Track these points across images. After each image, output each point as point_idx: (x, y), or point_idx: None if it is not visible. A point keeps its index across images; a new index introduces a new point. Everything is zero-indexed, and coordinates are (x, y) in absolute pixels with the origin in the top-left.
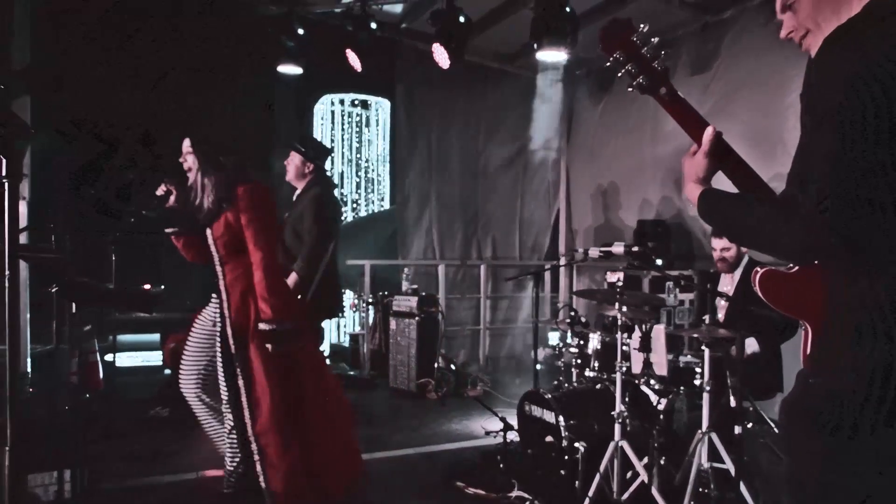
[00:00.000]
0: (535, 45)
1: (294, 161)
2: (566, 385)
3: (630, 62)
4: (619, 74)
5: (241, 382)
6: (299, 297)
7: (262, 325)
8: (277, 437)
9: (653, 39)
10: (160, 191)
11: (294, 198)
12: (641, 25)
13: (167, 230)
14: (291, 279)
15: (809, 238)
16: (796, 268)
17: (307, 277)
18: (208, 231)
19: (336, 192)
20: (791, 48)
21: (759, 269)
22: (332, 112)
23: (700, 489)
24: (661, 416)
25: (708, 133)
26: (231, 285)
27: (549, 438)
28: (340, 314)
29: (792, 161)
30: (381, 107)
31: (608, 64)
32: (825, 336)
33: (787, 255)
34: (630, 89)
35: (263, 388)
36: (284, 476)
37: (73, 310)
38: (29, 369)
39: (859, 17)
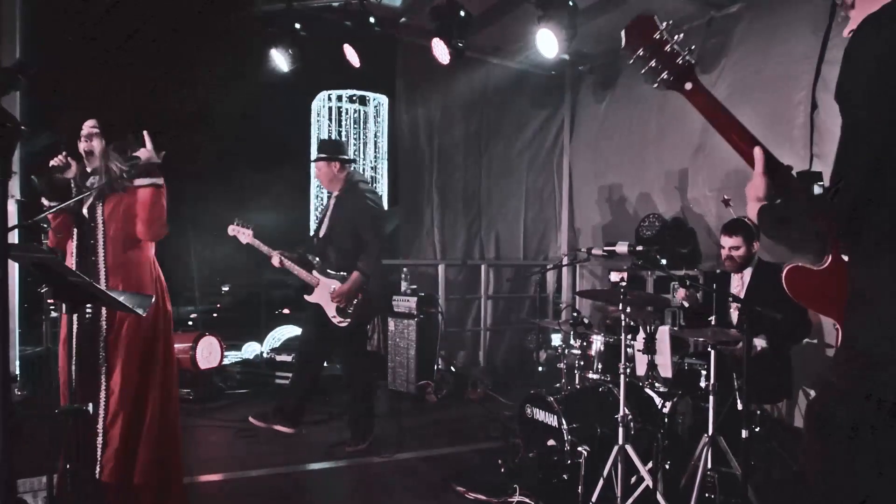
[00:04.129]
0: (537, 41)
1: (321, 169)
2: (568, 387)
3: (654, 58)
4: (643, 70)
5: (102, 378)
6: (360, 296)
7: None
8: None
9: (677, 35)
10: (58, 161)
11: (333, 200)
12: (665, 22)
13: (49, 203)
14: (354, 278)
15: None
16: (825, 265)
17: (372, 275)
18: (96, 215)
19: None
20: (799, 45)
21: (787, 264)
22: (330, 108)
23: (706, 494)
24: (666, 420)
25: (758, 155)
26: (112, 273)
27: (551, 442)
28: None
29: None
30: (380, 103)
31: (631, 61)
32: (842, 337)
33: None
34: (655, 86)
35: (128, 382)
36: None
37: (63, 311)
38: (17, 372)
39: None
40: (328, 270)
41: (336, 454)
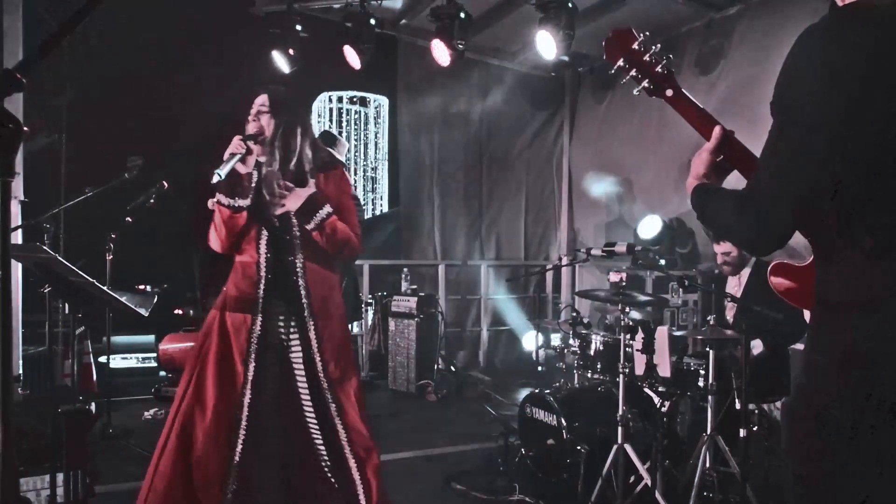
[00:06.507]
0: (537, 42)
1: None
2: (568, 387)
3: (633, 68)
4: (624, 81)
5: (328, 395)
6: None
7: None
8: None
9: (655, 46)
10: (237, 149)
11: None
12: (643, 33)
13: (229, 203)
14: None
15: (763, 228)
16: (808, 261)
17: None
18: (292, 227)
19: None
20: None
21: (772, 261)
22: (331, 109)
23: (704, 493)
24: (665, 419)
25: (716, 132)
26: (314, 295)
27: (550, 441)
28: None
29: (760, 157)
30: (381, 104)
31: (612, 72)
32: (814, 334)
33: (741, 244)
34: (637, 93)
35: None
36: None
37: (66, 311)
38: (20, 371)
39: (826, 20)
40: None
41: None
